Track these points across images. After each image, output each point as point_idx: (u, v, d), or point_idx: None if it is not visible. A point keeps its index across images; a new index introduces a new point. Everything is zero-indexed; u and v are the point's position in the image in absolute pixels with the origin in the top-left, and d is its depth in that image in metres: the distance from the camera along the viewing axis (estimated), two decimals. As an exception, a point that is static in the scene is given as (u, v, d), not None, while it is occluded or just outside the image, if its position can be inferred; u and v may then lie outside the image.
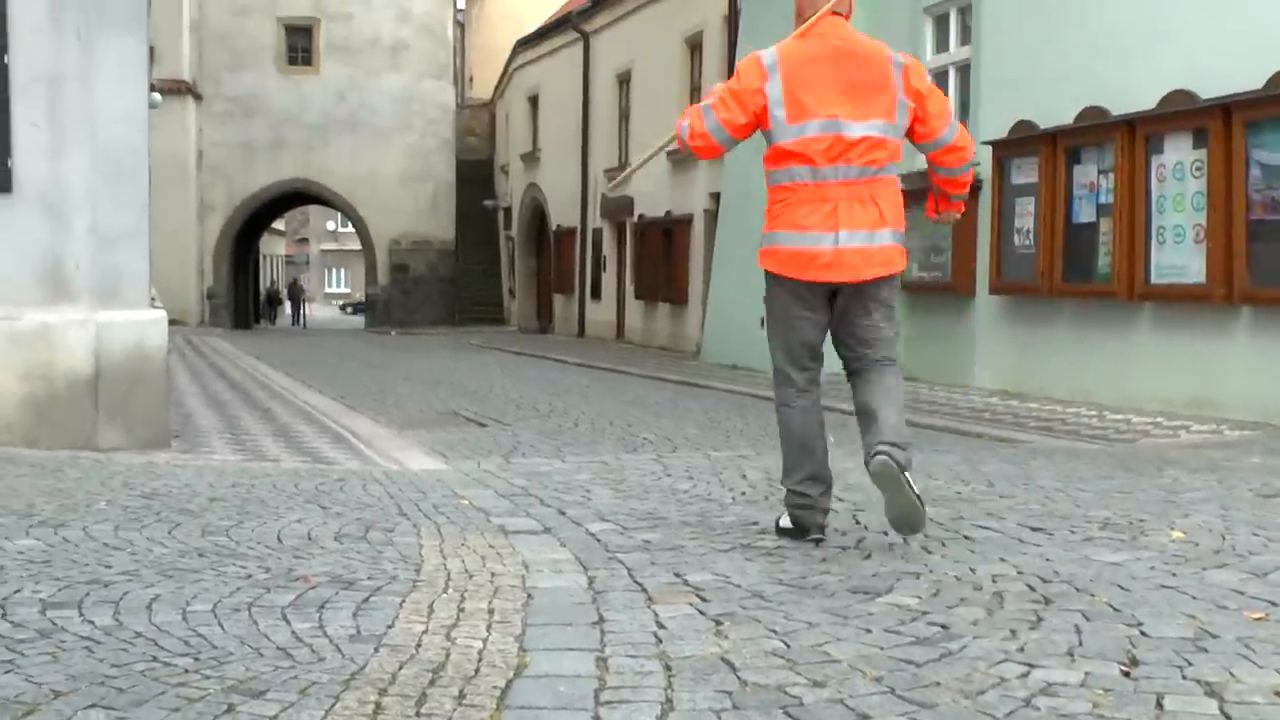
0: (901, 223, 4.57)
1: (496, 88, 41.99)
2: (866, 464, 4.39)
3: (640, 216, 26.45)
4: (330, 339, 33.22)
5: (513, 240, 38.39)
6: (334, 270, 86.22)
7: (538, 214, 35.83)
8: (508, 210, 39.26)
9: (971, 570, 4.19)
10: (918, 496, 4.38)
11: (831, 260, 4.45)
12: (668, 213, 24.42)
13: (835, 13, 4.63)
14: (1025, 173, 12.59)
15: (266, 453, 8.29)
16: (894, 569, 4.22)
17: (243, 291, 42.34)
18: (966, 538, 4.77)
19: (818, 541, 4.65)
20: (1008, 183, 12.86)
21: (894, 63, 4.58)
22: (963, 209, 4.96)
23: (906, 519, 4.43)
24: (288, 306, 55.74)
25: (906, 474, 4.34)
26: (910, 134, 4.65)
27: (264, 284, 52.67)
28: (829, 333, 4.69)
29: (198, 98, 37.36)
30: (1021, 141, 12.59)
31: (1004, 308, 13.09)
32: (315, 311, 62.63)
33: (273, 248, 60.21)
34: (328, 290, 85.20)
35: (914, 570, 4.20)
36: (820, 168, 4.46)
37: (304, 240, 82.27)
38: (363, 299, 47.34)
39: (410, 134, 39.92)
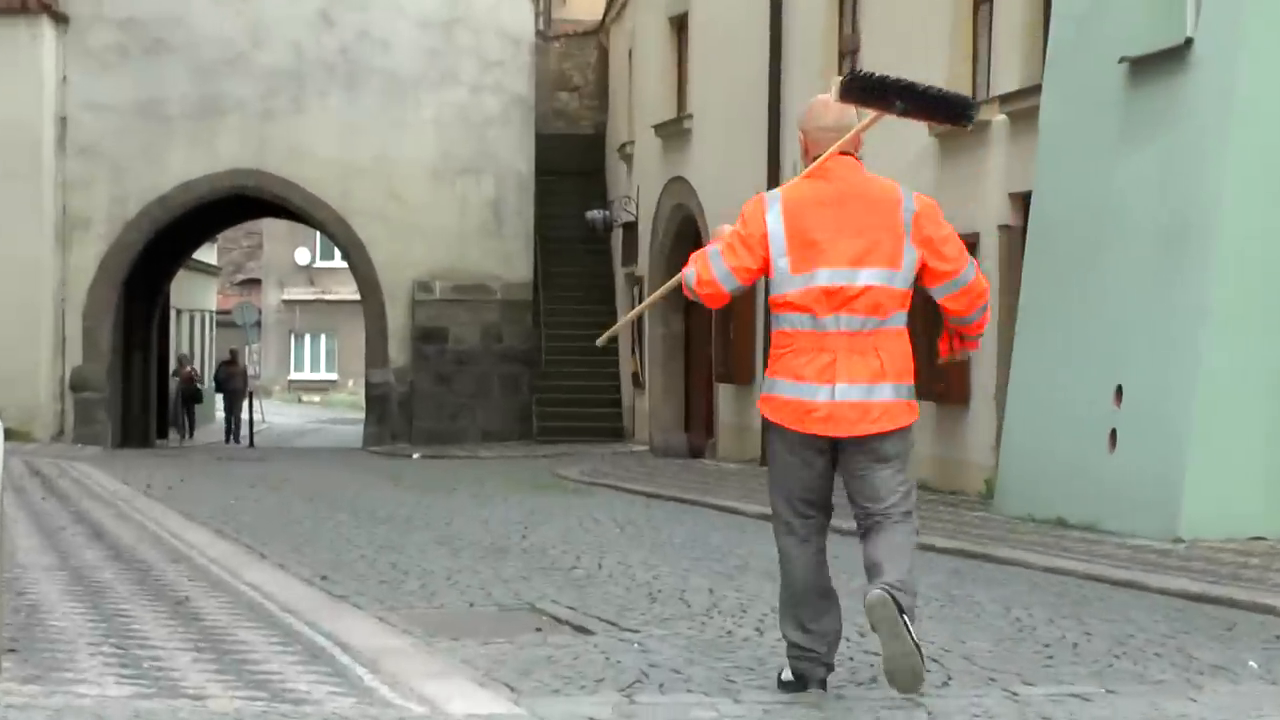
0: (907, 375, 7.46)
1: (610, 2, 42.52)
2: (865, 598, 7.37)
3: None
4: (299, 467, 33.57)
5: (640, 283, 38.45)
6: (308, 338, 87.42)
7: (687, 233, 35.85)
8: (631, 228, 39.24)
9: None
10: (918, 646, 7.35)
11: (827, 414, 7.38)
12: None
13: (845, 152, 7.46)
14: None
15: (181, 682, 8.38)
16: None
17: (138, 378, 42.99)
18: None
19: (820, 694, 7.60)
20: None
21: (904, 207, 7.52)
22: (977, 347, 7.88)
23: (903, 669, 7.35)
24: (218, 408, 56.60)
25: (906, 617, 7.26)
26: (920, 278, 7.58)
27: (173, 361, 53.33)
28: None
29: (59, 20, 38.33)
30: None
31: None
32: (273, 414, 63.44)
33: (194, 297, 61.14)
34: (293, 376, 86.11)
35: None
36: (821, 317, 7.39)
37: (252, 283, 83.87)
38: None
39: (454, 87, 40.15)
